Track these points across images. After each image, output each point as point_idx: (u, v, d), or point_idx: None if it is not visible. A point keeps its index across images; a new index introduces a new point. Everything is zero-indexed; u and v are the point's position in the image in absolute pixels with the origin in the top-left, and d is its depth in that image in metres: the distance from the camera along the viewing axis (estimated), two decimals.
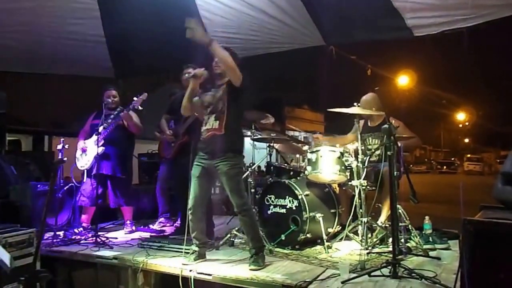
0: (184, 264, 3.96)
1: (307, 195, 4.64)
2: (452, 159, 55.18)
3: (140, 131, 5.81)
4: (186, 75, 4.89)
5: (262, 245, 4.11)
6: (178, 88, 6.43)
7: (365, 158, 4.64)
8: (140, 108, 5.44)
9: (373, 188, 4.63)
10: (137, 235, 5.57)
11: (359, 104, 4.74)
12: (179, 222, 5.73)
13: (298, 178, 5.09)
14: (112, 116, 5.55)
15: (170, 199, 6.31)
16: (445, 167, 47.95)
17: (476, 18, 4.93)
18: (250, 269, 3.79)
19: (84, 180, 5.65)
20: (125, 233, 5.68)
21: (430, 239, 4.54)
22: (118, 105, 5.78)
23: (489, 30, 5.06)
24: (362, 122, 5.08)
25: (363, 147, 4.90)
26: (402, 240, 4.24)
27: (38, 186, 5.64)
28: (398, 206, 4.14)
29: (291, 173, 5.23)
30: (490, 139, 56.30)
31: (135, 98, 5.42)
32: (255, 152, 5.56)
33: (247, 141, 4.62)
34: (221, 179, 4.02)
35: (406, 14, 5.22)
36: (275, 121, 5.69)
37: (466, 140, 71.08)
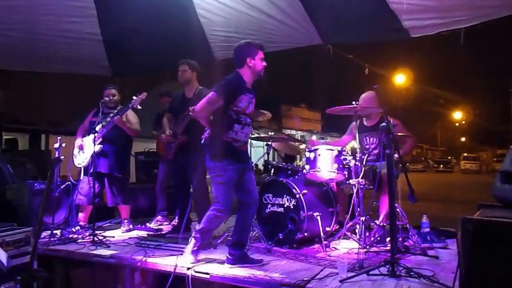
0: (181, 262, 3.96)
1: (304, 193, 4.64)
2: (449, 157, 55.33)
3: (137, 134, 5.79)
4: None
5: None
6: (171, 88, 6.44)
7: (363, 157, 4.64)
8: (139, 107, 5.42)
9: (371, 186, 4.64)
10: (134, 233, 5.56)
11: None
12: (176, 220, 5.73)
13: (296, 177, 5.09)
14: (111, 114, 5.53)
15: (169, 198, 6.31)
16: (441, 165, 48.00)
17: (472, 19, 4.94)
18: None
19: (81, 178, 5.63)
20: (122, 232, 5.67)
21: (428, 238, 4.55)
22: (118, 104, 5.77)
23: (486, 29, 5.08)
24: (357, 121, 5.07)
25: (359, 147, 4.90)
26: (400, 239, 4.24)
27: (35, 185, 5.63)
28: (396, 204, 4.14)
29: (289, 171, 5.23)
30: (486, 137, 56.59)
31: (134, 97, 5.40)
32: (252, 150, 5.56)
33: None
34: (251, 176, 4.15)
35: (403, 16, 5.22)
36: (272, 120, 5.70)
37: (463, 139, 71.40)
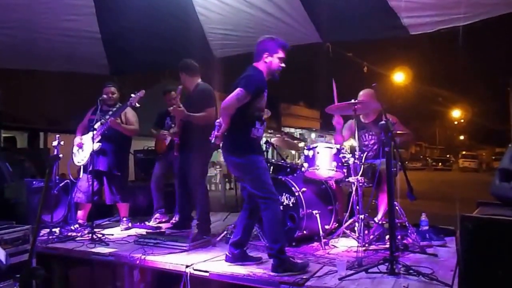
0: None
1: (303, 191, 4.63)
2: (447, 156, 55.40)
3: (134, 134, 5.78)
4: None
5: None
6: (174, 85, 6.43)
7: (362, 155, 4.64)
8: (137, 105, 5.41)
9: (370, 184, 4.64)
10: (133, 231, 5.56)
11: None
12: (176, 218, 5.74)
13: (295, 174, 5.09)
14: (110, 112, 5.53)
15: (166, 196, 6.32)
16: (440, 164, 48.08)
17: (471, 17, 4.94)
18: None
19: (80, 176, 5.63)
20: (121, 230, 5.67)
21: (427, 235, 4.55)
22: (117, 102, 5.76)
23: (485, 27, 5.07)
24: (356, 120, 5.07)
25: (358, 144, 4.90)
26: (399, 237, 4.25)
27: (34, 182, 5.62)
28: (395, 202, 4.14)
29: (288, 169, 5.23)
30: (485, 136, 56.60)
31: (132, 95, 5.39)
32: None
33: None
34: None
35: (402, 13, 5.22)
36: (271, 118, 5.68)
37: (462, 137, 71.50)
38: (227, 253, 3.96)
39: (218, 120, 3.88)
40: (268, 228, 3.76)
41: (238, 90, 3.69)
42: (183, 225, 5.48)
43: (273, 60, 3.89)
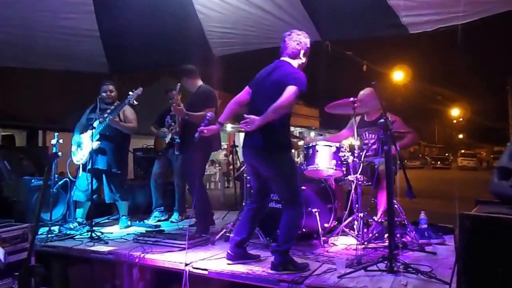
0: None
1: (303, 190, 4.62)
2: (446, 154, 55.48)
3: (133, 131, 5.79)
4: None
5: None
6: (174, 84, 6.44)
7: (361, 153, 4.64)
8: (135, 103, 5.41)
9: (369, 183, 4.64)
10: (132, 230, 5.56)
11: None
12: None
13: None
14: (108, 111, 5.52)
15: (165, 194, 6.33)
16: (439, 162, 48.20)
17: (471, 15, 4.93)
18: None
19: (79, 175, 5.62)
20: (120, 228, 5.67)
21: (426, 234, 4.56)
22: (115, 100, 5.76)
23: (484, 26, 5.07)
24: (358, 117, 5.07)
25: (359, 142, 4.91)
26: (398, 235, 4.25)
27: (32, 181, 5.62)
28: (394, 201, 4.15)
29: None
30: (484, 134, 56.69)
31: (130, 93, 5.39)
32: None
33: (241, 135, 4.57)
34: None
35: (401, 12, 5.21)
36: None
37: (460, 136, 71.60)
38: (229, 251, 3.95)
39: (209, 114, 3.89)
40: (284, 228, 3.75)
41: (295, 89, 3.56)
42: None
43: (306, 58, 3.86)
